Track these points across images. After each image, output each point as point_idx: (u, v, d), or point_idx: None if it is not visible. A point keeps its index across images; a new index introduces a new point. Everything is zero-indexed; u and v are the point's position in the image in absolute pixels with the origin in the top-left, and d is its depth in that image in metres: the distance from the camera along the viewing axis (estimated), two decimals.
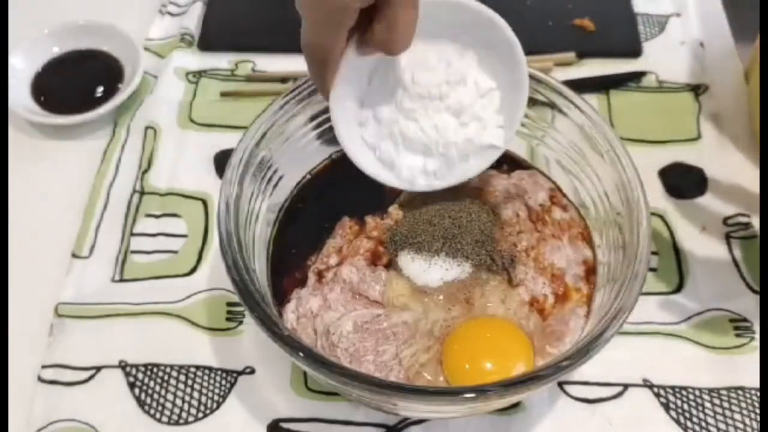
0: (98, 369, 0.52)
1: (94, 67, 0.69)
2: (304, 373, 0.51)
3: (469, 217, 0.50)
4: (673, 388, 0.51)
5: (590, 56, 0.70)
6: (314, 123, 0.54)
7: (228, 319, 0.54)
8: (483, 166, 0.49)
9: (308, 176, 0.56)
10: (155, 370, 0.52)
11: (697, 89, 0.68)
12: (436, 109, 0.46)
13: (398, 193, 0.53)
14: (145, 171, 0.62)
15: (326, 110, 0.54)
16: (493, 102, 0.47)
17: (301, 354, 0.41)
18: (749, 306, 0.54)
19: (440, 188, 0.49)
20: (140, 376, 0.52)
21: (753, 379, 0.51)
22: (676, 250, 0.57)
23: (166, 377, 0.52)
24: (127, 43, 0.68)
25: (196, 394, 0.51)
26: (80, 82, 0.68)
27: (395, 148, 0.48)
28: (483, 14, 0.44)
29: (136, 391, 0.51)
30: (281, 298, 0.50)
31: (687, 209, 0.60)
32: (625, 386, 0.51)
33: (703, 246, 0.58)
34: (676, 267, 0.56)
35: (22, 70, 0.67)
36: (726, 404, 0.50)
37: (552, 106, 0.52)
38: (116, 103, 0.65)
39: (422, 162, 0.48)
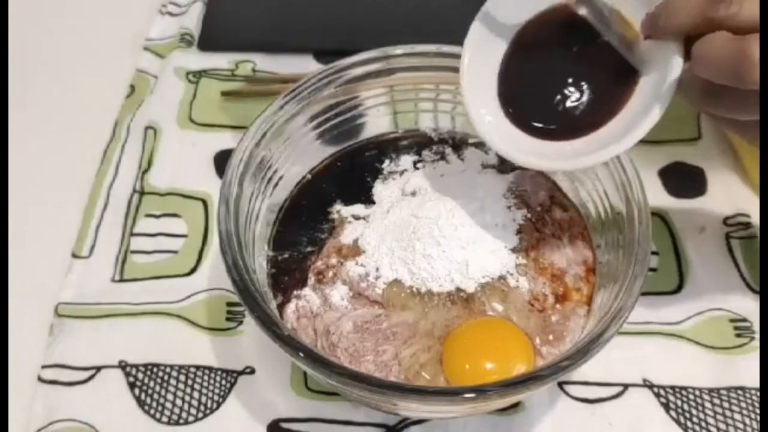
0: (98, 369, 0.52)
1: None
2: (304, 373, 0.51)
3: None
4: (673, 388, 0.51)
5: None
6: (314, 123, 0.55)
7: (228, 319, 0.54)
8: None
9: (308, 176, 0.56)
10: (155, 370, 0.52)
11: None
12: None
13: None
14: (145, 171, 0.62)
15: (326, 110, 0.54)
16: None
17: (301, 354, 0.41)
18: (749, 306, 0.54)
19: None
20: (140, 376, 0.52)
21: (753, 379, 0.51)
22: (676, 250, 0.57)
23: (166, 377, 0.52)
24: None
25: (196, 394, 0.51)
26: None
27: None
28: None
29: (136, 391, 0.51)
30: (281, 298, 0.50)
31: (687, 209, 0.60)
32: (625, 386, 0.51)
33: (703, 246, 0.57)
34: (676, 267, 0.56)
35: None
36: (726, 404, 0.50)
37: None
38: None
39: None
